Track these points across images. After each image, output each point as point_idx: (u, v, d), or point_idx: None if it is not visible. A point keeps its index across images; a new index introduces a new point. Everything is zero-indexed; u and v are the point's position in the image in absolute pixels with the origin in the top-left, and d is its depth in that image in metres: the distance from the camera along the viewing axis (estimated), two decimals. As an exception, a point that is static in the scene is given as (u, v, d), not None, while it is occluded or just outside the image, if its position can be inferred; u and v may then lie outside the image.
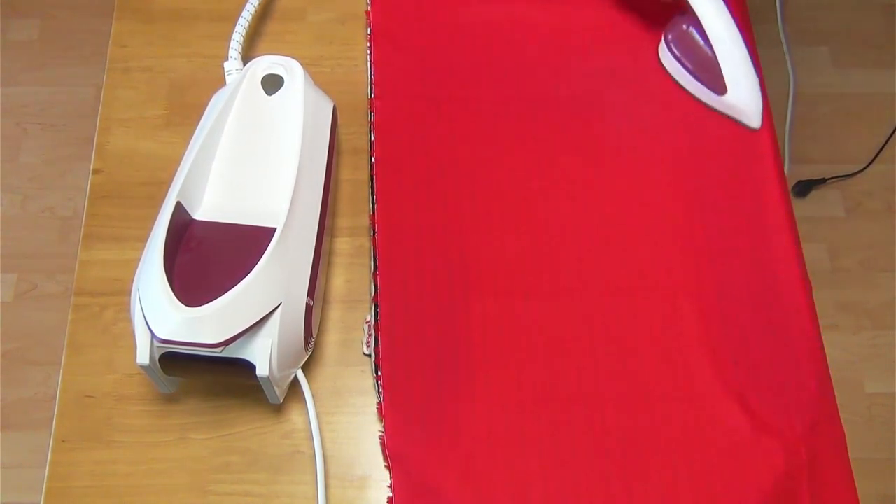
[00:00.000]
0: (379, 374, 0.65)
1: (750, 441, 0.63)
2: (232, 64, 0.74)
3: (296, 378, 0.64)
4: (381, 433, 0.64)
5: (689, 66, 0.74)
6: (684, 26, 0.74)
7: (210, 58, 0.79)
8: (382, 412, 0.64)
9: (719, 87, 0.72)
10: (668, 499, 0.61)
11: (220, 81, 0.74)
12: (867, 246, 1.51)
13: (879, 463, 1.34)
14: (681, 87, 0.75)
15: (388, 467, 0.63)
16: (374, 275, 0.69)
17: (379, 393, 0.65)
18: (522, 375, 0.65)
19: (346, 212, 0.73)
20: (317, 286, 0.63)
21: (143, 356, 0.58)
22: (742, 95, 0.72)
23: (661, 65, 0.76)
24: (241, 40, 0.75)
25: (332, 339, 0.69)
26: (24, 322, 1.42)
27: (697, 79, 0.73)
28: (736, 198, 0.72)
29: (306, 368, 0.65)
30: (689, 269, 0.69)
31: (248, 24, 0.76)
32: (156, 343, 0.57)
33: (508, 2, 0.80)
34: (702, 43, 0.72)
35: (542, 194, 0.72)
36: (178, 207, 0.61)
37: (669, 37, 0.75)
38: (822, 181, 1.52)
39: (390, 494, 0.62)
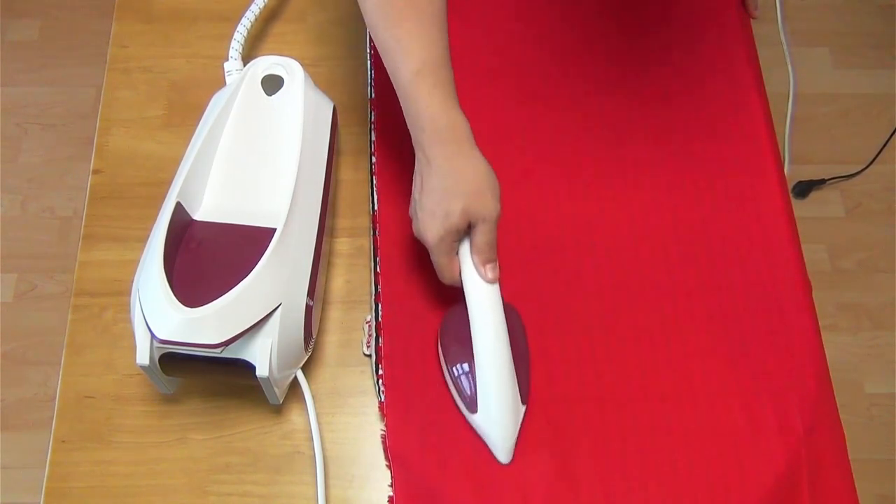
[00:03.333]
0: (380, 372, 0.65)
1: (750, 441, 0.63)
2: (232, 64, 0.74)
3: (296, 378, 0.64)
4: (382, 432, 0.64)
5: (451, 365, 0.63)
6: (457, 319, 0.62)
7: (210, 58, 0.79)
8: (384, 411, 0.64)
9: (471, 403, 0.61)
10: (668, 499, 0.61)
11: (220, 82, 0.74)
12: (867, 246, 1.50)
13: (879, 463, 1.34)
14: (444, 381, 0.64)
15: (389, 466, 0.63)
16: (376, 274, 0.69)
17: (379, 392, 0.65)
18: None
19: (346, 212, 0.73)
20: (317, 286, 0.63)
21: (143, 356, 0.58)
22: (492, 427, 0.61)
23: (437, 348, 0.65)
24: (243, 41, 0.75)
25: (332, 339, 0.69)
26: (23, 322, 1.41)
27: (455, 383, 0.63)
28: (736, 199, 0.72)
29: (306, 369, 0.65)
30: (690, 270, 0.69)
31: (251, 24, 0.75)
32: (156, 343, 0.57)
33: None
34: (461, 350, 0.61)
35: (543, 190, 0.72)
36: (178, 208, 0.61)
37: (446, 323, 0.65)
38: (822, 181, 1.52)
39: (391, 493, 0.62)
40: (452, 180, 0.57)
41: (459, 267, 0.60)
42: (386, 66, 0.59)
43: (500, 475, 0.61)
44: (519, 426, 0.62)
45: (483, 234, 0.58)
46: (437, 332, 0.66)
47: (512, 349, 0.60)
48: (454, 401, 0.63)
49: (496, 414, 0.61)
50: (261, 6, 0.76)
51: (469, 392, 0.61)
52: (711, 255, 0.70)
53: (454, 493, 0.61)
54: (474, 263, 0.59)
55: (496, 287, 0.60)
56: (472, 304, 0.60)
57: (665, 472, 0.62)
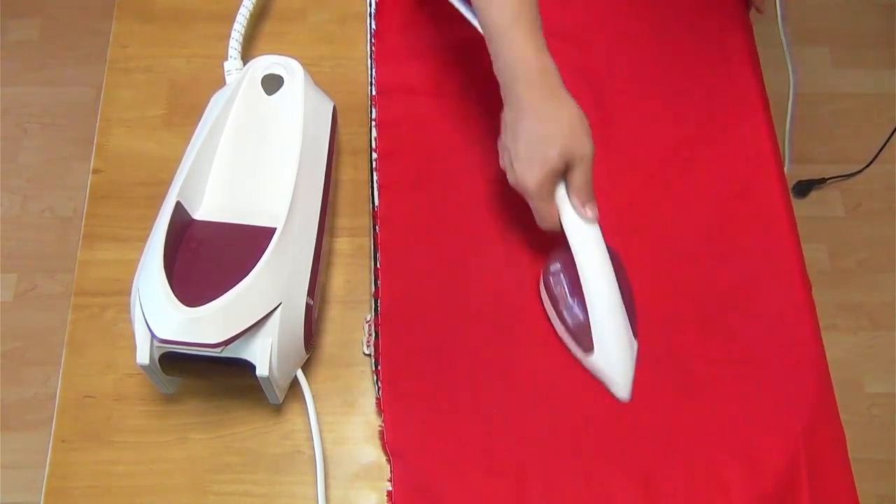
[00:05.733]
0: (378, 368, 0.65)
1: (750, 441, 0.63)
2: (232, 64, 0.74)
3: (296, 378, 0.64)
4: (380, 427, 0.64)
5: (561, 310, 0.64)
6: (560, 266, 0.64)
7: (210, 58, 0.79)
8: (381, 407, 0.64)
9: (586, 343, 0.63)
10: (668, 499, 0.61)
11: (220, 81, 0.74)
12: (867, 246, 1.50)
13: (879, 463, 1.33)
14: (552, 328, 0.66)
15: (388, 461, 0.63)
16: (376, 270, 0.69)
17: (378, 388, 0.65)
18: (522, 372, 0.65)
19: (346, 212, 0.73)
20: (317, 286, 0.63)
21: (143, 356, 0.58)
22: (610, 364, 0.63)
23: (540, 298, 0.67)
24: (241, 39, 0.75)
25: (332, 339, 0.69)
26: (24, 322, 1.41)
27: (567, 327, 0.64)
28: (737, 198, 0.72)
29: (306, 368, 0.65)
30: (689, 269, 0.69)
31: (245, 22, 0.75)
32: (156, 343, 0.57)
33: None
34: (569, 294, 0.63)
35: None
36: (178, 207, 0.61)
37: (549, 271, 0.65)
38: (822, 181, 1.52)
39: (389, 488, 0.62)
40: (549, 124, 0.58)
41: (558, 212, 0.61)
42: (478, 11, 0.60)
43: (499, 470, 0.61)
44: (635, 361, 0.63)
45: (580, 174, 0.59)
46: (436, 328, 0.66)
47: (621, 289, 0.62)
48: (566, 346, 0.65)
49: (613, 350, 0.62)
50: (251, 4, 0.76)
51: (582, 334, 0.63)
52: (711, 254, 0.70)
53: (452, 487, 0.61)
54: (573, 205, 0.61)
55: (597, 227, 0.61)
56: (577, 245, 0.61)
57: (665, 472, 0.62)
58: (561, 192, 0.61)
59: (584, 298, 0.62)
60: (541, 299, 0.66)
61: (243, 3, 0.76)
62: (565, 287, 0.64)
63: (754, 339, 0.67)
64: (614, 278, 0.62)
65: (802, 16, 1.70)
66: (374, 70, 0.77)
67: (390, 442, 0.63)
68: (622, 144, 0.74)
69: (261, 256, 0.58)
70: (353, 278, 0.71)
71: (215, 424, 0.65)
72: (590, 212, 0.61)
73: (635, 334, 0.64)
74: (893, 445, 1.34)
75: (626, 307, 0.63)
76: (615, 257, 0.63)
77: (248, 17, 0.76)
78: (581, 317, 0.63)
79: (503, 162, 0.63)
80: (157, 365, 0.59)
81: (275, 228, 0.60)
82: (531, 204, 0.61)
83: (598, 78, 0.77)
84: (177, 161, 0.65)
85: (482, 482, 0.61)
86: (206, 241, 0.61)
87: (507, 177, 0.62)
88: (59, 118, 1.59)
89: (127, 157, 0.75)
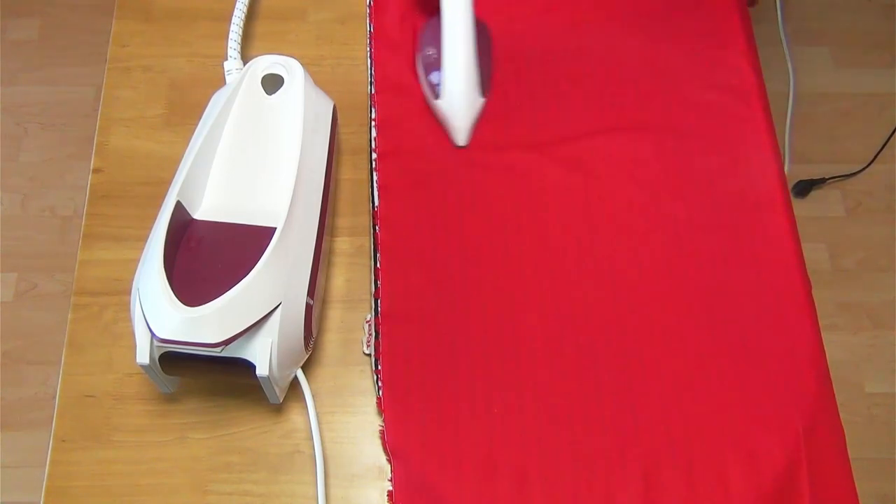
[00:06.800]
0: (378, 368, 0.65)
1: (749, 440, 0.63)
2: (232, 63, 0.74)
3: (296, 378, 0.64)
4: (381, 427, 0.64)
5: (422, 61, 0.71)
6: (431, 31, 0.71)
7: (210, 57, 0.79)
8: (382, 406, 0.64)
9: (437, 90, 0.70)
10: (669, 498, 0.61)
11: (220, 81, 0.74)
12: (867, 246, 1.51)
13: (879, 463, 1.34)
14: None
15: (389, 461, 0.63)
16: (376, 270, 0.69)
17: (378, 388, 0.65)
18: (522, 371, 0.65)
19: (346, 212, 0.74)
20: (317, 286, 0.63)
21: (143, 356, 0.58)
22: (452, 109, 0.69)
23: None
24: (239, 39, 0.75)
25: (332, 339, 0.69)
26: (23, 322, 1.42)
27: (424, 75, 0.71)
28: (736, 197, 0.72)
29: (306, 368, 0.65)
30: (689, 269, 0.69)
31: (241, 22, 0.76)
32: (156, 343, 0.57)
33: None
34: (432, 49, 0.70)
35: (545, 188, 0.72)
36: (178, 207, 0.61)
37: (423, 35, 0.73)
38: (822, 181, 1.52)
39: (390, 488, 0.62)
40: None
41: None
42: None
43: (500, 469, 0.62)
44: (476, 112, 0.71)
45: None
46: (436, 328, 0.66)
47: (478, 51, 0.69)
48: (423, 94, 0.72)
49: (456, 97, 0.69)
50: (245, 3, 0.76)
51: (436, 81, 0.71)
52: (711, 253, 0.70)
53: (453, 487, 0.61)
54: None
55: None
56: (446, 4, 0.68)
57: (665, 473, 0.62)
58: None
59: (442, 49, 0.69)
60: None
61: (238, 2, 0.76)
62: (431, 43, 0.72)
63: (754, 338, 0.67)
64: (471, 36, 0.68)
65: (802, 16, 1.69)
66: (373, 69, 0.78)
67: (390, 442, 0.63)
68: (622, 145, 0.74)
69: (261, 256, 0.58)
70: (353, 278, 0.71)
71: (215, 424, 0.65)
72: None
73: (484, 91, 0.70)
74: (893, 445, 1.35)
75: (480, 67, 0.69)
76: (484, 31, 0.71)
77: (242, 16, 0.76)
78: (436, 66, 0.70)
79: None
80: (157, 364, 0.59)
81: (275, 228, 0.60)
82: None
83: (595, 81, 0.77)
84: (177, 161, 0.65)
85: (483, 482, 0.61)
86: (206, 240, 0.61)
87: None
88: (59, 118, 1.59)
89: (127, 157, 0.75)
